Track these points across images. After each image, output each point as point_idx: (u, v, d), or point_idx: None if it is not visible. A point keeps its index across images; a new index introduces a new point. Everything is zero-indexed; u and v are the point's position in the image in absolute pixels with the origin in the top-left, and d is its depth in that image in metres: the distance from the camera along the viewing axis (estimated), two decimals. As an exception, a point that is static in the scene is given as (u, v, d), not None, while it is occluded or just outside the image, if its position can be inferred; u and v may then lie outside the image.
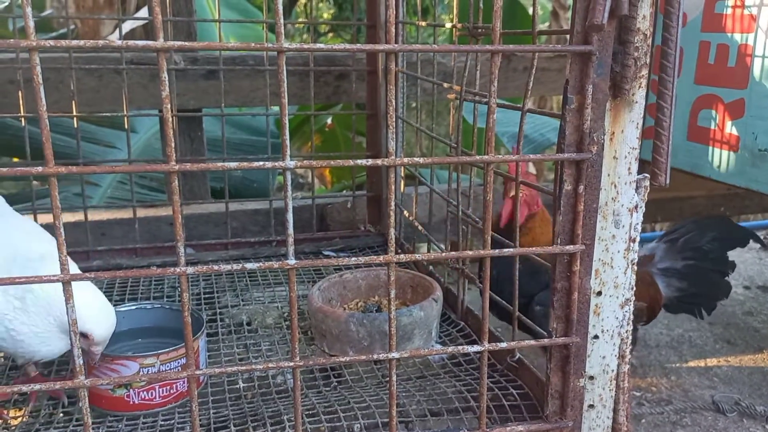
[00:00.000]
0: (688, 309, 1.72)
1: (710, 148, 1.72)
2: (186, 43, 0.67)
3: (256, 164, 0.72)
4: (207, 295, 1.53)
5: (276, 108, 1.94)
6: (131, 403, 1.06)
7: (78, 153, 1.70)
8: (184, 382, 1.09)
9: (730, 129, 1.65)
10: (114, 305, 1.26)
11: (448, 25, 1.34)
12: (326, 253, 1.79)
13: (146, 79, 1.84)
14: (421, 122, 1.61)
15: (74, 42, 0.64)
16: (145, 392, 1.06)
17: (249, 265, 0.75)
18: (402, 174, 1.79)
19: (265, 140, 1.89)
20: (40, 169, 0.66)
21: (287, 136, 0.71)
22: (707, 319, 1.76)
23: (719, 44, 1.67)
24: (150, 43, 0.65)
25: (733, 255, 1.73)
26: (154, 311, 1.26)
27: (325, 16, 6.87)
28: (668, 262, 1.68)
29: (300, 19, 6.22)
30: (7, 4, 3.36)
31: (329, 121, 3.83)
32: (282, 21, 0.67)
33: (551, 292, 0.88)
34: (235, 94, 1.92)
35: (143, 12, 3.12)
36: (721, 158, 1.69)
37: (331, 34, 6.83)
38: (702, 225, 1.72)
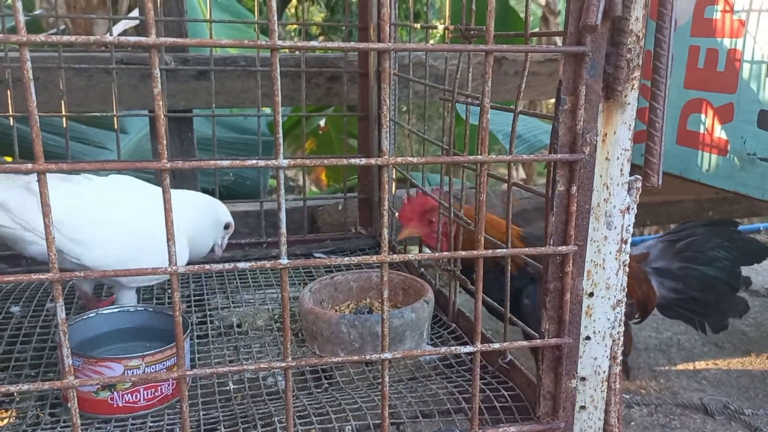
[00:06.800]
0: (688, 317, 1.64)
1: (699, 152, 1.74)
2: (178, 40, 0.67)
3: (249, 162, 0.71)
4: (197, 298, 1.52)
5: (267, 110, 1.93)
6: (115, 406, 1.04)
7: (66, 153, 1.68)
8: (168, 385, 1.07)
9: (719, 133, 1.66)
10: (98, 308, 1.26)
11: (441, 27, 1.34)
12: (317, 255, 1.79)
13: (136, 79, 1.83)
14: (411, 126, 1.61)
15: (65, 37, 0.64)
16: (129, 395, 1.04)
17: (241, 265, 0.74)
18: (393, 176, 1.79)
19: (257, 139, 1.88)
20: (29, 165, 0.66)
21: (280, 135, 0.71)
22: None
23: (708, 49, 1.68)
24: (142, 39, 0.65)
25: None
26: (137, 313, 1.25)
27: (317, 20, 6.87)
28: (663, 262, 1.63)
29: (291, 21, 6.22)
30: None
31: (322, 123, 3.83)
32: (275, 18, 0.67)
33: (543, 293, 0.88)
34: (225, 95, 1.91)
35: (135, 14, 3.11)
36: (710, 162, 1.71)
37: (322, 37, 6.83)
38: (711, 231, 1.65)
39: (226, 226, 1.46)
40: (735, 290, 1.63)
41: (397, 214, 1.48)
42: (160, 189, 0.68)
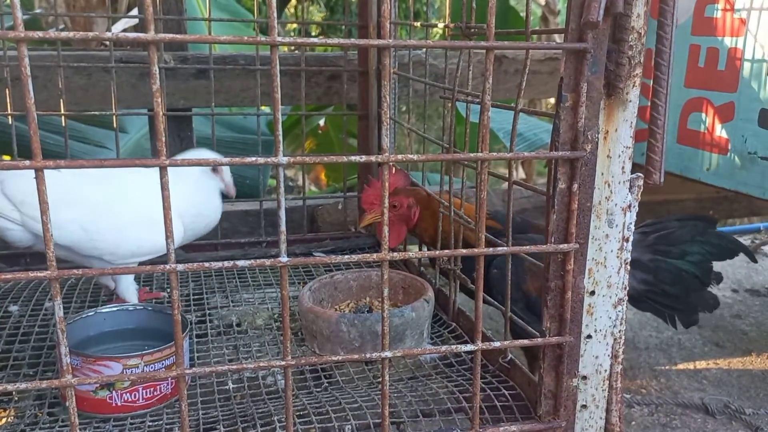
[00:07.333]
0: (658, 310, 1.61)
1: (700, 151, 1.73)
2: (177, 36, 0.66)
3: (249, 159, 0.71)
4: (196, 296, 1.52)
5: (266, 109, 1.93)
6: (113, 405, 1.04)
7: (65, 152, 1.68)
8: (167, 384, 1.07)
9: (720, 132, 1.66)
10: (99, 306, 1.26)
11: (441, 24, 1.34)
12: (317, 254, 1.78)
13: (135, 77, 1.82)
14: (411, 125, 1.61)
15: (63, 33, 0.63)
16: (128, 394, 1.04)
17: (240, 262, 0.74)
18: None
19: (256, 138, 1.88)
20: (27, 162, 0.65)
21: (280, 132, 0.70)
22: (696, 321, 1.73)
23: (709, 48, 1.68)
24: (141, 35, 0.64)
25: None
26: (136, 313, 1.24)
27: (316, 19, 6.87)
28: (634, 253, 1.55)
29: (291, 20, 6.21)
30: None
31: (321, 123, 3.83)
32: (275, 14, 0.66)
33: (544, 291, 0.88)
34: (225, 93, 1.91)
35: (134, 14, 3.10)
36: (710, 161, 1.70)
37: (321, 37, 6.83)
38: (685, 225, 1.63)
39: (215, 170, 1.42)
40: (705, 285, 1.61)
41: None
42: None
